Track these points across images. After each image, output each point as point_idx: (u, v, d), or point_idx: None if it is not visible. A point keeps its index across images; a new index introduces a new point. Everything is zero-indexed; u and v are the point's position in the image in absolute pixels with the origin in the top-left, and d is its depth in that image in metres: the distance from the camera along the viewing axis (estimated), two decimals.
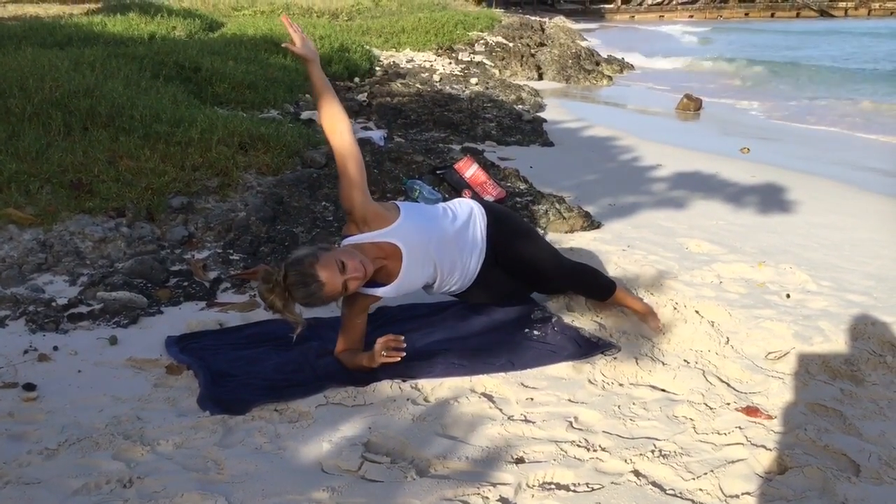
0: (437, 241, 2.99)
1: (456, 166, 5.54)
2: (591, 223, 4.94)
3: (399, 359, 2.77)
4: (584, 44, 19.01)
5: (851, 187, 6.67)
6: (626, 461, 2.37)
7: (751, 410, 2.69)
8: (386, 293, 2.96)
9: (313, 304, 2.73)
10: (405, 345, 2.78)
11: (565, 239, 4.62)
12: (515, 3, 38.07)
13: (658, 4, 42.31)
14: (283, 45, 2.89)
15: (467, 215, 3.14)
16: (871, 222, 5.48)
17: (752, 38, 29.41)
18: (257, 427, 2.53)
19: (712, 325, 3.34)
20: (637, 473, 2.31)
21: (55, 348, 3.07)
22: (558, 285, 3.42)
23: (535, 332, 3.22)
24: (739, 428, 2.56)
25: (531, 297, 3.52)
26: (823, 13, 41.48)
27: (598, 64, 16.35)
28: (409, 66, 12.58)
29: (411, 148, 6.58)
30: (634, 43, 23.87)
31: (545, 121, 9.23)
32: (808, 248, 4.68)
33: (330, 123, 2.82)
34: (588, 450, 2.43)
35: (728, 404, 2.73)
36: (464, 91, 10.63)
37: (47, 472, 2.22)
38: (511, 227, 3.26)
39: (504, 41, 16.32)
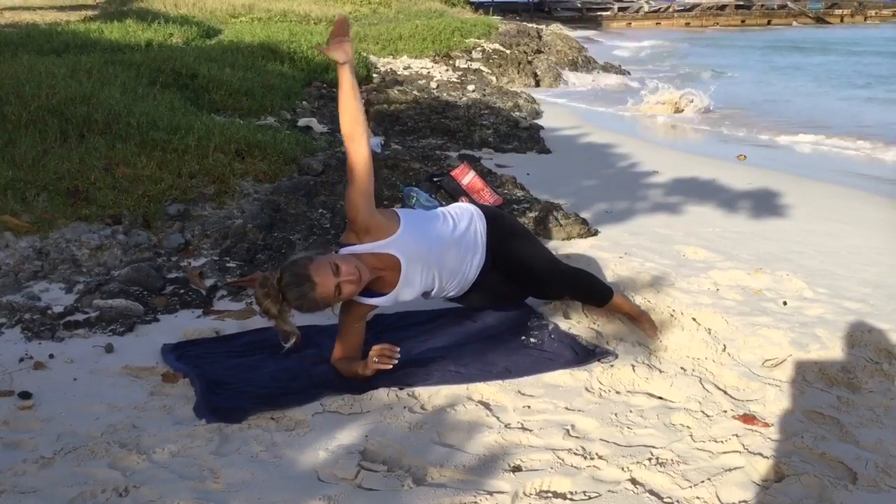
0: (437, 250, 2.99)
1: (453, 173, 5.55)
2: (588, 230, 4.94)
3: (391, 366, 2.77)
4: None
5: (848, 194, 6.68)
6: (623, 469, 2.37)
7: (748, 418, 2.68)
8: (383, 302, 2.96)
9: (306, 307, 2.72)
10: (398, 353, 2.79)
11: (562, 246, 4.62)
12: (512, 10, 38.11)
13: (655, 12, 42.40)
14: (315, 46, 2.87)
15: (467, 221, 3.13)
16: (867, 229, 5.49)
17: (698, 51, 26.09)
18: (253, 435, 2.52)
19: (709, 333, 3.34)
20: (634, 481, 2.31)
21: (51, 356, 3.06)
22: (556, 289, 3.42)
23: (532, 340, 3.22)
24: (736, 436, 2.56)
25: (526, 303, 3.52)
26: (819, 20, 41.64)
27: (594, 70, 16.40)
28: (406, 73, 12.59)
29: (408, 155, 6.59)
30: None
31: (542, 128, 9.25)
32: (804, 255, 4.69)
33: (349, 128, 2.80)
34: (585, 458, 2.43)
35: (725, 412, 2.73)
36: (461, 98, 10.64)
37: (43, 481, 2.21)
38: (507, 228, 3.27)
39: (501, 48, 16.33)
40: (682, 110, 11.47)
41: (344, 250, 2.86)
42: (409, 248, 2.90)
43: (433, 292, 3.12)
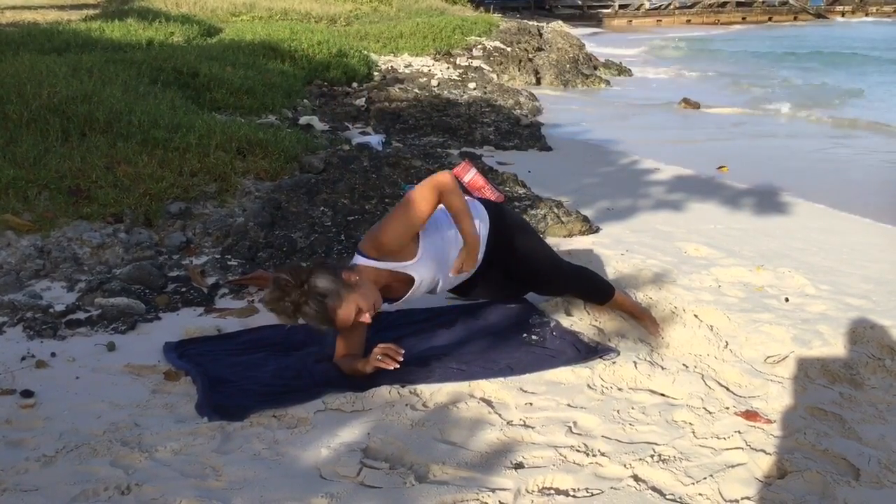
0: (448, 261, 3.01)
1: (454, 171, 5.53)
2: (590, 227, 4.94)
3: (393, 367, 2.77)
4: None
5: (850, 192, 6.66)
6: (625, 466, 2.37)
7: (750, 415, 2.68)
8: (388, 308, 3.00)
9: (317, 328, 2.78)
10: (403, 355, 2.78)
11: (563, 243, 4.62)
12: (513, 7, 38.05)
13: (656, 9, 42.33)
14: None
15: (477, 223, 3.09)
16: (869, 226, 5.48)
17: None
18: (256, 433, 2.52)
19: (711, 329, 3.33)
20: (636, 478, 2.31)
21: (53, 355, 3.06)
22: (556, 288, 3.41)
23: (534, 337, 3.22)
24: (739, 432, 2.56)
25: (528, 300, 3.52)
26: (820, 17, 41.57)
27: (595, 68, 16.40)
28: (407, 71, 12.58)
29: (409, 153, 6.59)
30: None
31: (543, 125, 9.25)
32: (806, 251, 4.68)
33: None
34: (587, 455, 2.43)
35: (727, 408, 2.73)
36: (462, 96, 10.63)
37: (45, 479, 2.22)
38: (509, 222, 3.25)
39: (502, 46, 16.33)
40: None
41: (363, 261, 2.84)
42: (425, 270, 2.93)
43: (437, 290, 3.13)
